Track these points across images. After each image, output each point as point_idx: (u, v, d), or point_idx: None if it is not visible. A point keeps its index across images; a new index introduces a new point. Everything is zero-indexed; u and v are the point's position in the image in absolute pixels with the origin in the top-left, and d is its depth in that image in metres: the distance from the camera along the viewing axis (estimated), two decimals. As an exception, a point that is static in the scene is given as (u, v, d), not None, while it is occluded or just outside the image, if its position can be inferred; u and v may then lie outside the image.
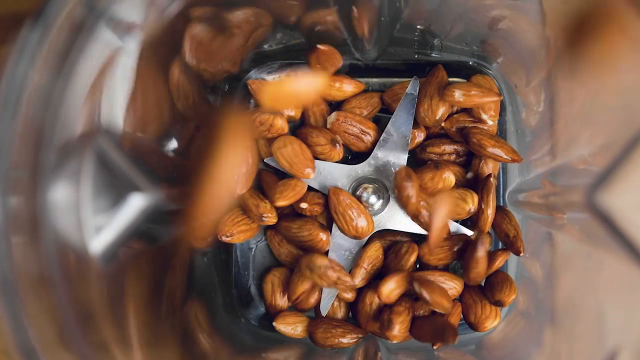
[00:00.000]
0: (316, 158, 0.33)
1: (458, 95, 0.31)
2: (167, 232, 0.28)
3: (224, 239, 0.33)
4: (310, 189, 0.34)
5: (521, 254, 0.33)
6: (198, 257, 0.33)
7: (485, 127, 0.34)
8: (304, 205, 0.33)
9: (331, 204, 0.33)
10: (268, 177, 0.34)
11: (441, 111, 0.33)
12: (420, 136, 0.35)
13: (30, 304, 0.18)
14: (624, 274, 0.23)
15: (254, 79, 0.34)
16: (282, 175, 0.34)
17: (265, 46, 0.34)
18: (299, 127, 0.35)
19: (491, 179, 0.33)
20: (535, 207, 0.33)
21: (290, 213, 0.35)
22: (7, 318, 0.17)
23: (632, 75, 0.22)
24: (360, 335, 0.33)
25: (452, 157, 0.35)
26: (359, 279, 0.33)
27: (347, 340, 0.33)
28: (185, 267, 0.31)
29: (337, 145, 0.33)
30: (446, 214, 0.29)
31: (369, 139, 0.34)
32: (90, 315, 0.20)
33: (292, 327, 0.34)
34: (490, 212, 0.33)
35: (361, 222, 0.33)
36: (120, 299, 0.22)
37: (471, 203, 0.33)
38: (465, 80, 0.35)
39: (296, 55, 0.34)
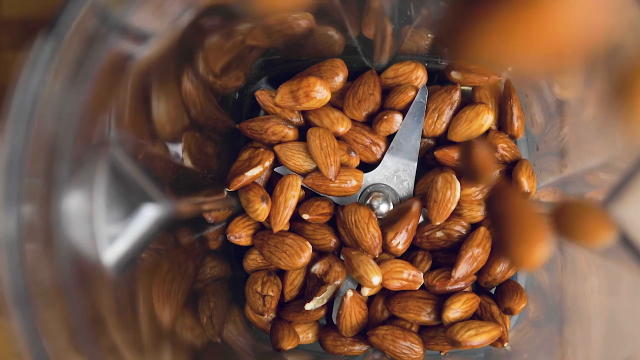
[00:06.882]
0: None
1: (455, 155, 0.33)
2: (179, 240, 0.28)
3: (232, 239, 0.33)
4: (316, 194, 0.34)
5: None
6: (209, 262, 0.33)
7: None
8: (305, 216, 0.33)
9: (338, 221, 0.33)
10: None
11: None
12: (429, 144, 0.35)
13: (43, 311, 0.18)
14: (636, 284, 0.23)
15: (262, 90, 0.34)
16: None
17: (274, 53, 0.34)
18: None
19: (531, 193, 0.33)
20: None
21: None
22: (20, 324, 0.17)
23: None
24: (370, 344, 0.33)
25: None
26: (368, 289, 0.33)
27: (358, 348, 0.33)
28: (197, 270, 0.31)
29: (353, 153, 0.33)
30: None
31: (378, 150, 0.34)
32: (102, 320, 0.20)
33: (302, 335, 0.34)
34: None
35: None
36: (133, 305, 0.22)
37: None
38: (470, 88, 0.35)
39: (304, 64, 0.34)
